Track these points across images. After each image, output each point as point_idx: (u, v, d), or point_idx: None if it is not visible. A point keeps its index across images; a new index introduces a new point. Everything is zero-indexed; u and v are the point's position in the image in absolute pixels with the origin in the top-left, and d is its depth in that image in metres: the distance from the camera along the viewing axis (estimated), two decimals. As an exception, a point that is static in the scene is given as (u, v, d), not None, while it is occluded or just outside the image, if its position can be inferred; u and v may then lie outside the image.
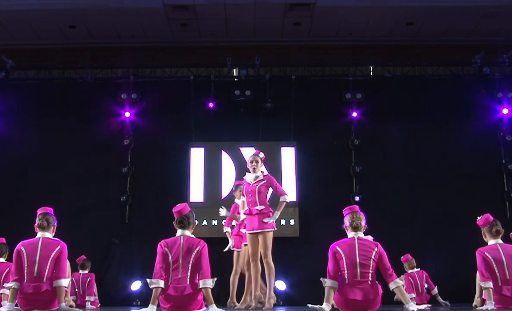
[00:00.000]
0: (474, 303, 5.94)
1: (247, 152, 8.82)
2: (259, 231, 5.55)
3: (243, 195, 5.87)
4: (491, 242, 4.76)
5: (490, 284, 4.59)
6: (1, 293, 5.11)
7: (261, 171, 5.76)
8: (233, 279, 6.52)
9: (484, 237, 4.87)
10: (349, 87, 9.42)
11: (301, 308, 5.99)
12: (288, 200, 5.77)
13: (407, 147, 9.13)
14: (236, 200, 6.62)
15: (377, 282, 4.20)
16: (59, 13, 9.16)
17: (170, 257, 4.20)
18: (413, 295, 7.30)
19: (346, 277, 4.15)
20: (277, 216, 5.65)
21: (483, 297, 5.08)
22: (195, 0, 8.88)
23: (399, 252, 7.41)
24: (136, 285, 8.40)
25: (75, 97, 9.46)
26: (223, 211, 6.46)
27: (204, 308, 4.29)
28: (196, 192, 8.92)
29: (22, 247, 4.50)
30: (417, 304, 5.72)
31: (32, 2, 8.90)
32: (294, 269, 7.81)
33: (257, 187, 5.65)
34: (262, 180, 5.70)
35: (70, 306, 5.70)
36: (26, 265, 4.42)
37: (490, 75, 9.52)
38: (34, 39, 9.93)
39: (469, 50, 9.58)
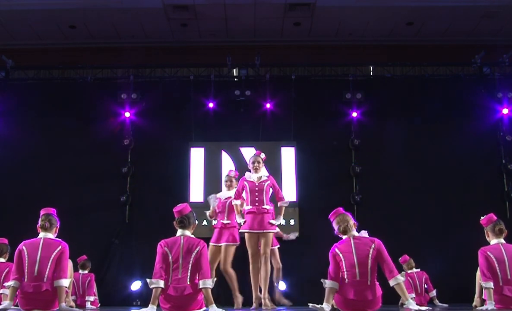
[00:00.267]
0: (474, 303, 5.94)
1: (247, 152, 8.85)
2: (265, 231, 5.63)
3: (246, 193, 5.84)
4: (493, 241, 4.77)
5: (491, 284, 4.59)
6: (1, 293, 5.11)
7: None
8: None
9: (486, 237, 4.88)
10: (349, 87, 9.42)
11: (301, 308, 6.00)
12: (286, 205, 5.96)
13: (407, 147, 9.13)
14: (222, 194, 6.49)
15: (377, 282, 4.20)
16: (59, 13, 9.15)
17: (170, 257, 4.20)
18: (413, 295, 7.29)
19: (346, 277, 4.16)
20: (280, 220, 5.89)
21: (483, 297, 5.08)
22: (195, 0, 8.88)
23: (399, 252, 7.41)
24: (136, 285, 8.39)
25: (75, 97, 9.46)
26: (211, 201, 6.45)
27: (204, 308, 4.30)
28: (196, 192, 8.91)
29: (23, 247, 4.52)
30: (416, 304, 5.74)
31: (32, 2, 8.90)
32: (294, 269, 7.80)
33: (265, 186, 5.73)
34: (267, 180, 5.81)
35: (70, 306, 5.70)
36: (26, 265, 4.44)
37: (490, 75, 9.52)
38: (34, 39, 9.93)
39: (469, 50, 9.57)
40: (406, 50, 10.13)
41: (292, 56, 10.05)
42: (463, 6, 9.05)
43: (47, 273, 4.41)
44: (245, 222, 5.75)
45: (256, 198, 5.68)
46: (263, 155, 5.93)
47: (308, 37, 10.09)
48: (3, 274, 5.42)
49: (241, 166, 8.43)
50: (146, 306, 4.15)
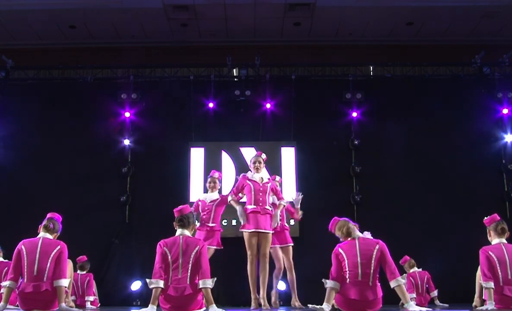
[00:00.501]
0: (473, 304, 5.94)
1: (247, 152, 8.85)
2: (268, 231, 5.67)
3: (249, 193, 5.78)
4: (495, 241, 4.78)
5: (491, 284, 4.59)
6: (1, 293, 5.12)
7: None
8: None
9: (488, 236, 4.88)
10: (349, 87, 9.42)
11: (301, 308, 6.00)
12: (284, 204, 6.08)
13: (407, 147, 9.13)
14: (204, 196, 6.40)
15: (378, 283, 4.20)
16: (59, 13, 9.15)
17: (169, 257, 4.20)
18: (414, 295, 7.30)
19: (347, 277, 4.16)
20: (277, 219, 6.01)
21: (483, 297, 5.08)
22: (195, 0, 8.88)
23: (399, 252, 7.39)
24: (136, 285, 8.39)
25: (75, 97, 9.45)
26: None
27: (204, 308, 4.30)
28: (196, 192, 8.89)
29: (22, 246, 4.53)
30: (417, 304, 5.73)
31: (32, 2, 8.90)
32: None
33: (268, 187, 5.80)
34: (268, 182, 5.87)
35: (70, 306, 5.70)
36: (26, 264, 4.44)
37: (490, 75, 9.52)
38: (34, 39, 9.93)
39: (469, 50, 9.57)
40: (406, 50, 10.13)
41: (292, 56, 10.05)
42: (463, 6, 9.05)
43: (46, 272, 4.41)
44: (247, 220, 5.68)
45: (260, 198, 5.69)
46: (264, 156, 5.96)
47: (308, 37, 10.08)
48: (3, 273, 5.45)
49: (241, 166, 8.44)
50: (146, 306, 4.15)
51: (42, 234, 4.61)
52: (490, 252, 4.65)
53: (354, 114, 9.31)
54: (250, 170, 5.95)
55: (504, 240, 4.74)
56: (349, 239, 4.35)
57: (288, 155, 9.11)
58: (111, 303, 8.15)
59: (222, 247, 6.20)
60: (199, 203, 6.36)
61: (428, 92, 9.47)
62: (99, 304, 7.55)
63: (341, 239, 4.45)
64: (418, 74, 9.67)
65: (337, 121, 9.34)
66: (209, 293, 4.18)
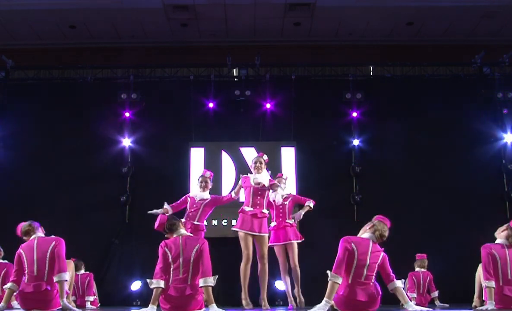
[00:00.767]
0: (473, 304, 5.94)
1: (247, 152, 8.84)
2: (264, 234, 5.69)
3: (248, 194, 5.82)
4: (498, 241, 4.78)
5: (492, 283, 4.60)
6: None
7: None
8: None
9: (497, 234, 4.87)
10: (349, 87, 9.41)
11: (300, 308, 6.00)
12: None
13: (407, 147, 9.13)
14: (195, 193, 6.33)
15: (377, 283, 4.21)
16: (59, 13, 9.15)
17: (169, 257, 4.20)
18: (414, 295, 7.31)
19: (350, 276, 4.12)
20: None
21: (483, 297, 5.08)
22: (195, 0, 8.88)
23: (399, 252, 7.38)
24: (136, 285, 8.39)
25: (75, 97, 9.45)
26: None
27: (204, 308, 4.30)
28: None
29: (21, 250, 4.65)
30: (417, 304, 5.74)
31: (32, 2, 8.90)
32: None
33: (266, 191, 5.82)
34: (267, 186, 5.83)
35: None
36: (26, 266, 4.50)
37: (490, 75, 9.51)
38: (34, 39, 9.93)
39: (469, 50, 9.57)
40: (406, 50, 10.13)
41: (292, 56, 10.05)
42: (463, 6, 9.05)
43: (46, 271, 4.45)
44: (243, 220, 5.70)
45: (258, 202, 5.71)
46: (265, 157, 5.95)
47: (308, 37, 10.08)
48: (1, 275, 5.49)
49: (241, 166, 8.43)
50: (146, 306, 4.15)
51: (33, 235, 4.71)
52: (492, 250, 4.66)
53: (354, 114, 9.30)
54: (250, 171, 5.96)
55: (507, 243, 4.75)
56: (365, 235, 4.34)
57: (288, 155, 9.10)
58: (111, 303, 8.15)
59: None
60: (188, 198, 6.26)
61: (428, 92, 9.46)
62: (99, 304, 7.55)
63: (368, 225, 4.42)
64: (418, 74, 9.66)
65: (337, 121, 9.34)
66: (209, 292, 4.17)
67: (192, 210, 6.14)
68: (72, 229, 7.80)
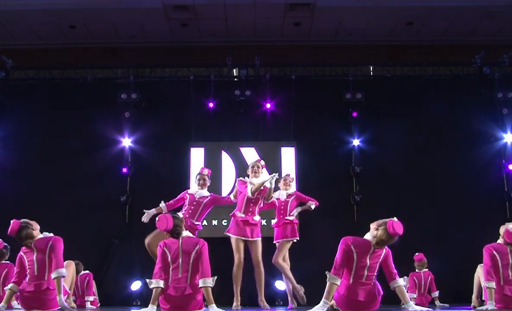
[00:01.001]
0: (472, 304, 5.94)
1: (247, 152, 8.85)
2: (256, 239, 5.74)
3: (241, 200, 5.85)
4: (500, 241, 4.79)
5: (493, 284, 4.60)
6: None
7: None
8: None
9: (500, 238, 4.86)
10: (349, 87, 9.40)
11: (301, 308, 6.00)
12: None
13: (407, 147, 9.14)
14: (194, 190, 6.26)
15: (378, 283, 4.20)
16: (59, 13, 9.15)
17: (169, 257, 4.20)
18: (415, 295, 7.30)
19: (351, 276, 4.12)
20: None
21: (482, 297, 5.08)
22: (195, 0, 8.88)
23: (399, 252, 7.33)
24: (136, 285, 8.39)
25: (75, 97, 9.45)
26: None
27: (204, 308, 4.30)
28: (196, 192, 8.90)
29: (21, 252, 4.63)
30: (417, 304, 5.73)
31: (32, 2, 8.90)
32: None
33: (260, 198, 5.83)
34: (261, 194, 5.84)
35: (72, 307, 5.71)
36: (27, 267, 4.51)
37: (490, 75, 9.51)
38: (34, 39, 9.93)
39: (469, 50, 9.57)
40: (406, 50, 10.13)
41: (292, 56, 10.05)
42: (463, 6, 9.05)
43: (47, 270, 4.45)
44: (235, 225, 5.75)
45: (250, 209, 5.75)
46: (262, 162, 5.99)
47: (308, 37, 10.08)
48: (2, 275, 5.50)
49: (241, 166, 8.43)
50: (146, 306, 4.15)
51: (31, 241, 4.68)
52: (494, 251, 4.66)
53: (354, 114, 9.30)
54: (248, 174, 5.96)
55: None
56: (368, 236, 4.32)
57: (288, 155, 9.10)
58: (111, 303, 8.15)
59: None
60: (187, 195, 6.16)
61: (428, 92, 9.46)
62: (99, 304, 7.55)
63: (374, 225, 4.38)
64: (418, 74, 9.67)
65: (337, 121, 9.34)
66: (209, 292, 4.18)
67: (192, 207, 6.08)
68: (72, 229, 7.81)
